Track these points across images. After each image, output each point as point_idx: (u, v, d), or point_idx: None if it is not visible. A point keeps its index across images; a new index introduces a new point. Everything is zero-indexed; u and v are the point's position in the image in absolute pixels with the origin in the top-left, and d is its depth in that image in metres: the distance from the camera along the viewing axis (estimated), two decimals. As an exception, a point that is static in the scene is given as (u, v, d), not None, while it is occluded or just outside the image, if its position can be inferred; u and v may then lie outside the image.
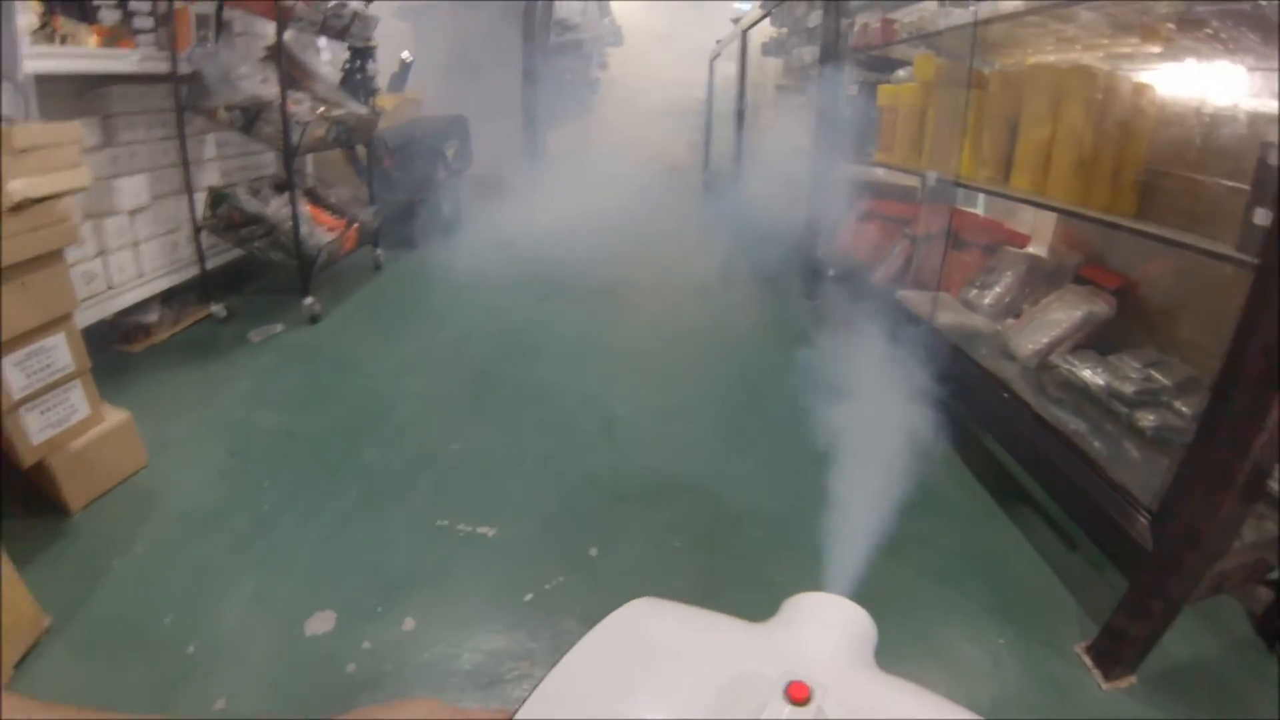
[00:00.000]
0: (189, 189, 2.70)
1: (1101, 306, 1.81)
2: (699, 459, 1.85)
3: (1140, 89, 1.65)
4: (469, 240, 3.91)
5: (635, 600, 0.77)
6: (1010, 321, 1.97)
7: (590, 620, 0.51)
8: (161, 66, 2.55)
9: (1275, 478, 1.31)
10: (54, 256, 1.47)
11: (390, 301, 3.09)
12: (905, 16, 2.37)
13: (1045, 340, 1.78)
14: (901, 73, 2.55)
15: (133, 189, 2.49)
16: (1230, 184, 1.40)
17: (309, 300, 2.67)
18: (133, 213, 2.49)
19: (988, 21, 1.84)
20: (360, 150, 3.52)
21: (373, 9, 3.38)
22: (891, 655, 0.85)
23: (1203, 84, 1.54)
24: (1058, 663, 1.22)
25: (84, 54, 2.27)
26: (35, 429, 1.45)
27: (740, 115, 4.92)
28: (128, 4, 2.47)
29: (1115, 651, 1.16)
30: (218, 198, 2.73)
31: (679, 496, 1.67)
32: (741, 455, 1.88)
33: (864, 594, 1.08)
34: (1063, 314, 1.80)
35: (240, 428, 1.89)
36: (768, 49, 4.61)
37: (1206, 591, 1.17)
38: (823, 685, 0.51)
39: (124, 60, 2.42)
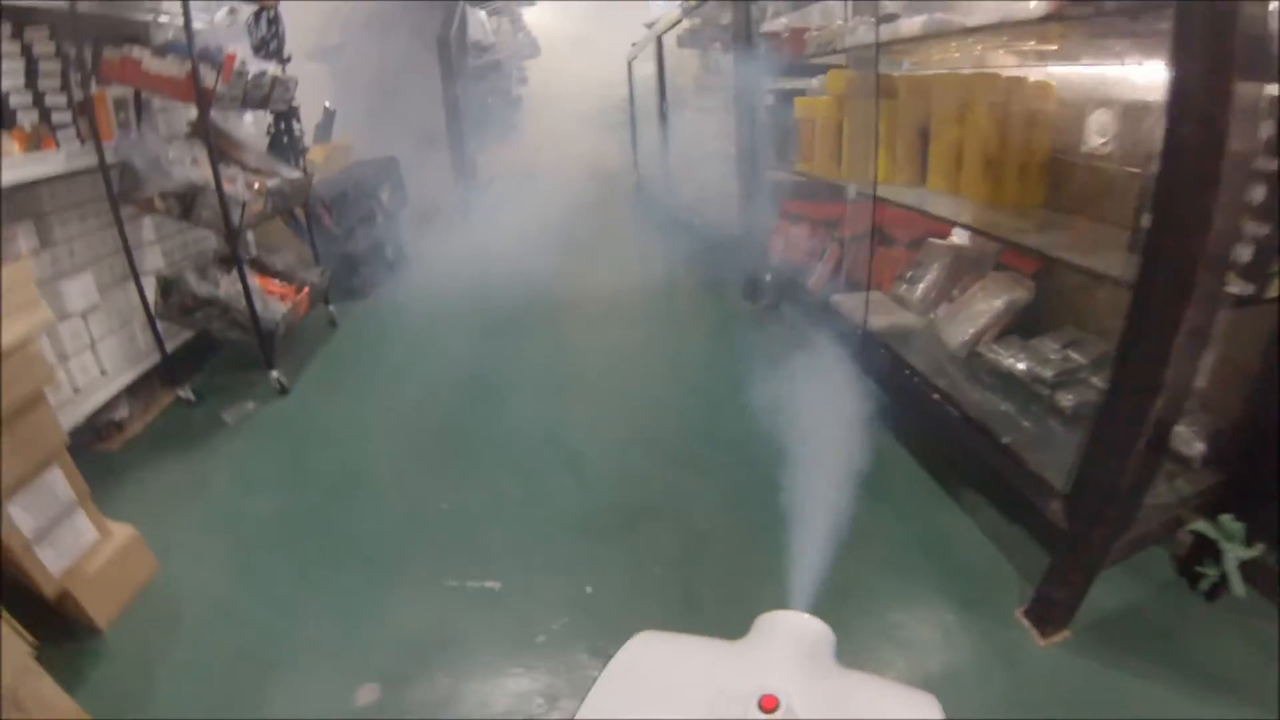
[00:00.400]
0: (136, 277, 2.73)
1: (1021, 293, 2.02)
2: (661, 485, 2.03)
3: (1041, 87, 1.85)
4: (415, 281, 4.02)
5: (636, 636, 1.00)
6: (941, 312, 2.19)
7: (597, 652, 0.68)
8: (89, 160, 2.57)
9: (1183, 442, 1.55)
10: (37, 399, 1.56)
11: (351, 359, 3.19)
12: (814, 26, 2.56)
13: (972, 331, 1.99)
14: (815, 81, 2.73)
15: (81, 289, 2.54)
16: (1127, 169, 1.62)
17: (274, 373, 2.75)
18: (85, 314, 2.54)
19: (889, 44, 2.04)
20: (298, 210, 3.58)
21: (290, 69, 3.45)
22: (854, 645, 1.07)
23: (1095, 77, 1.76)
24: (1001, 628, 1.44)
25: (10, 164, 2.29)
26: (52, 562, 1.55)
27: (663, 115, 5.10)
28: (44, 102, 2.51)
29: (1047, 614, 1.38)
30: (167, 285, 2.78)
31: (650, 525, 1.85)
32: (700, 475, 2.06)
33: (825, 593, 1.29)
34: (985, 304, 2.02)
35: (237, 519, 1.99)
36: (684, 41, 4.77)
37: (1122, 554, 1.39)
38: (787, 693, 0.73)
39: (51, 162, 2.43)
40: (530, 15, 7.33)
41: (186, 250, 3.24)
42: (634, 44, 6.00)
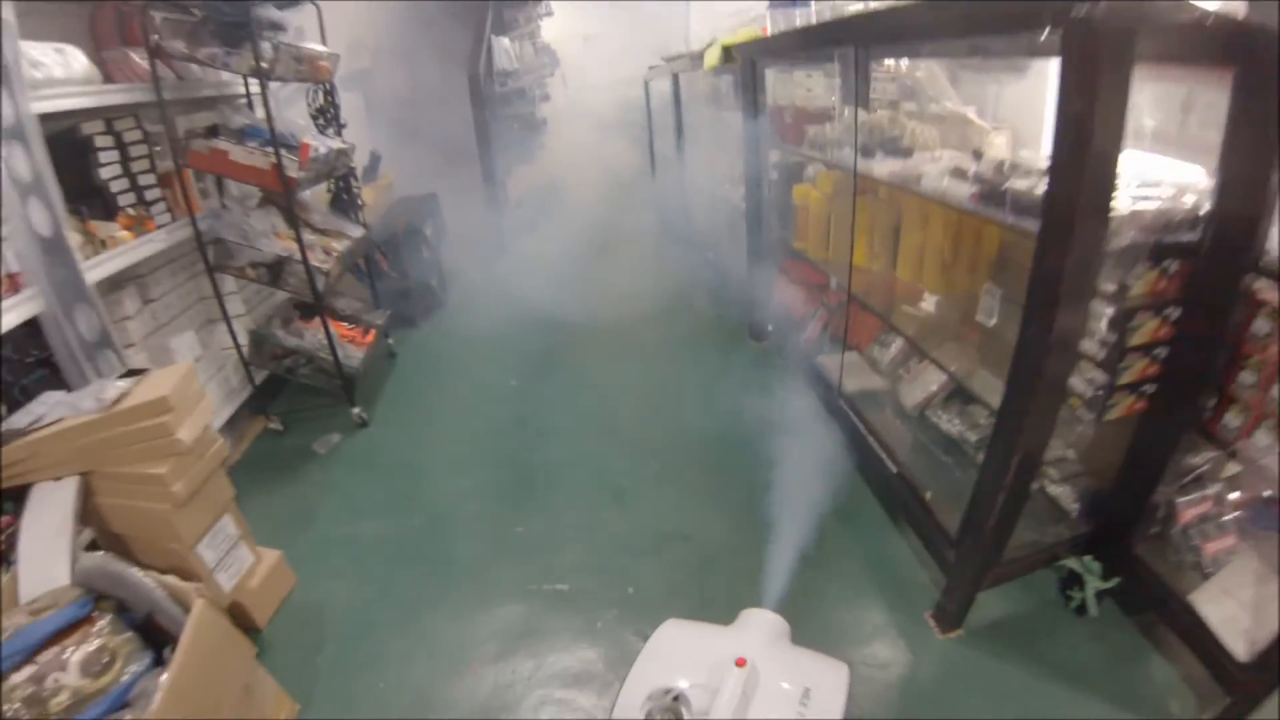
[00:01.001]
0: (229, 325, 3.30)
1: (966, 363, 2.59)
2: (684, 513, 2.65)
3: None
4: (460, 308, 4.67)
5: (665, 622, 1.69)
6: (904, 373, 2.77)
7: (639, 633, 1.37)
8: (185, 234, 3.09)
9: (1066, 500, 2.15)
10: (217, 468, 2.19)
11: (414, 391, 3.84)
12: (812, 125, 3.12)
13: (923, 396, 2.58)
14: (810, 170, 3.28)
15: (188, 343, 3.16)
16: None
17: (355, 410, 3.39)
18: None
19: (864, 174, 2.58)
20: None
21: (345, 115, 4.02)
22: (806, 633, 1.80)
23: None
24: (913, 625, 2.08)
25: (127, 249, 2.74)
26: (225, 583, 2.20)
27: (679, 149, 5.67)
28: (137, 182, 2.91)
29: (944, 617, 2.02)
30: (259, 339, 3.39)
31: (676, 545, 2.49)
32: (713, 504, 2.68)
33: (789, 595, 1.92)
34: (935, 373, 2.59)
35: (350, 540, 2.62)
36: (699, 90, 5.29)
37: (1005, 577, 2.01)
38: (752, 656, 1.44)
39: (156, 242, 2.91)
40: (545, 24, 7.75)
41: (261, 295, 3.82)
42: (651, 68, 6.50)
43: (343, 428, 3.40)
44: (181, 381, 2.17)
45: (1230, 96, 1.56)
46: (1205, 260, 1.67)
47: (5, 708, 1.55)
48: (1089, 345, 1.80)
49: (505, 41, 6.36)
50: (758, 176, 3.63)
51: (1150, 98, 1.81)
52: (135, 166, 2.93)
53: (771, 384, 3.32)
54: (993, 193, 1.83)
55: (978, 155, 2.04)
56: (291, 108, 4.09)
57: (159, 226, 3.03)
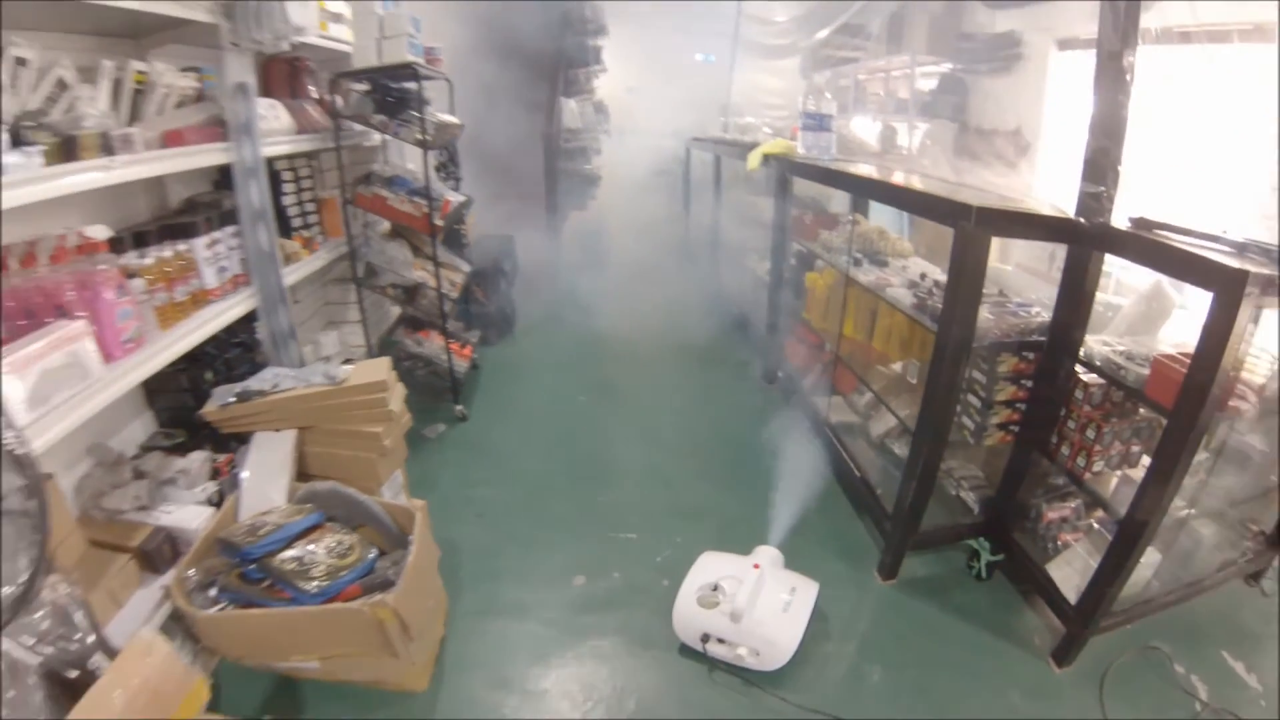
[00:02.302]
0: (365, 330, 4.56)
1: (912, 409, 3.78)
2: (712, 495, 3.83)
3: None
4: (525, 334, 5.93)
5: (703, 553, 2.97)
6: (873, 414, 3.97)
7: (687, 562, 2.65)
8: (337, 253, 4.22)
9: (970, 501, 3.33)
10: (402, 434, 3.38)
11: (498, 395, 5.04)
12: (824, 231, 4.37)
13: (883, 430, 3.78)
14: (819, 263, 4.53)
15: (331, 340, 4.39)
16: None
17: (459, 407, 4.58)
18: (332, 356, 4.36)
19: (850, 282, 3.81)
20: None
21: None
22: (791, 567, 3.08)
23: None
24: (862, 575, 3.22)
25: (305, 264, 3.70)
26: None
27: (717, 202, 6.96)
28: (305, 209, 3.97)
29: (884, 568, 3.18)
30: (388, 344, 4.62)
31: (706, 515, 3.64)
32: (732, 491, 3.86)
33: (783, 546, 3.22)
34: (890, 415, 3.78)
35: (470, 501, 3.77)
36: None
37: (915, 546, 3.17)
38: (763, 565, 2.74)
39: (320, 258, 3.97)
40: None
41: (371, 301, 4.98)
42: (695, 139, 7.83)
43: (445, 420, 4.57)
44: (386, 370, 3.37)
45: (1067, 258, 2.77)
46: (1048, 352, 2.88)
47: (279, 569, 2.66)
48: (973, 399, 3.01)
49: (572, 104, 7.66)
50: (780, 259, 4.88)
51: (1031, 250, 3.05)
52: (304, 195, 3.88)
53: (778, 414, 4.55)
54: (923, 304, 3.06)
55: (923, 276, 3.28)
56: (410, 160, 5.34)
57: (320, 246, 4.06)
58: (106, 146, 2.51)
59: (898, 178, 3.70)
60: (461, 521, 3.58)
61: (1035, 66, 4.87)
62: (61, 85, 2.60)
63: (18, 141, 2.19)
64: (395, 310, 5.33)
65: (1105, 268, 2.71)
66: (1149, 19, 3.02)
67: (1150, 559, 2.83)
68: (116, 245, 2.74)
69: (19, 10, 2.27)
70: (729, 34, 8.32)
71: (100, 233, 2.72)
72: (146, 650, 1.87)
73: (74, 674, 1.97)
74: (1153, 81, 2.63)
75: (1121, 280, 3.43)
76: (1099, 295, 2.76)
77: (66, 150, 2.37)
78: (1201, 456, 2.60)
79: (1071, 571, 2.97)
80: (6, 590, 1.79)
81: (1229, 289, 1.99)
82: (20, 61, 2.43)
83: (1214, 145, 3.05)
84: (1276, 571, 3.22)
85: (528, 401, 4.97)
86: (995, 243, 2.54)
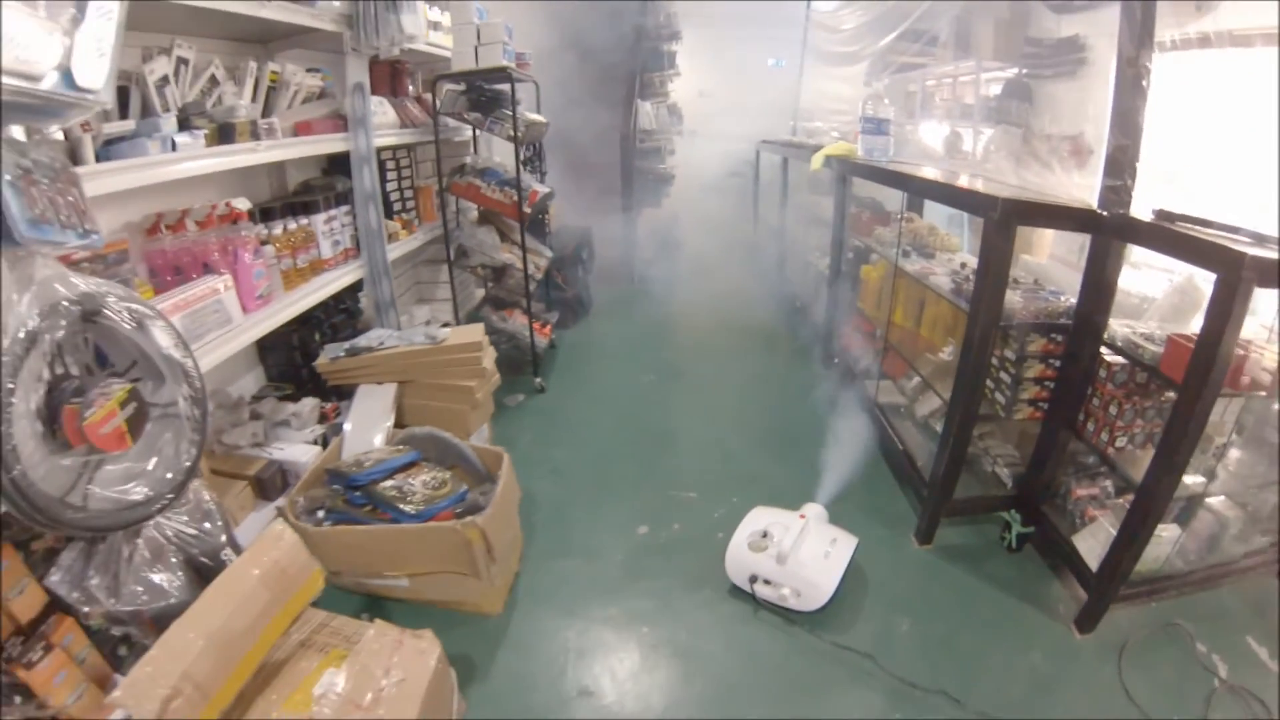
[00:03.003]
0: (455, 307, 5.12)
1: (961, 391, 4.08)
2: (765, 463, 4.20)
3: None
4: (598, 317, 6.43)
5: (755, 508, 3.54)
6: (919, 397, 4.28)
7: (741, 517, 3.15)
8: (432, 235, 4.89)
9: (1003, 475, 3.62)
10: (490, 391, 3.88)
11: (574, 372, 5.52)
12: (879, 227, 4.70)
13: (928, 410, 4.08)
14: (874, 256, 4.85)
15: (423, 313, 4.96)
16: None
17: (538, 379, 5.08)
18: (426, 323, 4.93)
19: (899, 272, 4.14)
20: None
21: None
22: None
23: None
24: (901, 539, 3.53)
25: (404, 243, 4.39)
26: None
27: (783, 202, 7.32)
28: (404, 194, 4.64)
29: (920, 534, 3.48)
30: (476, 319, 5.16)
31: (761, 481, 3.99)
32: (784, 460, 4.21)
33: (829, 509, 3.60)
34: (935, 399, 4.08)
35: (546, 459, 4.24)
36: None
37: (950, 513, 3.46)
38: (809, 517, 3.22)
39: (417, 239, 4.65)
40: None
41: (461, 285, 5.57)
42: (765, 141, 8.21)
43: (524, 391, 5.07)
44: (481, 334, 3.88)
45: (1090, 247, 3.04)
46: (1074, 334, 3.16)
47: (381, 494, 3.01)
48: (1004, 375, 3.32)
49: (647, 106, 8.14)
50: (839, 253, 5.22)
51: (1063, 242, 3.34)
52: (403, 183, 4.46)
53: (833, 394, 4.89)
54: (959, 288, 3.39)
55: (963, 265, 3.60)
56: (497, 154, 5.89)
57: (417, 229, 4.69)
58: (254, 133, 3.09)
59: (962, 181, 4.01)
60: (538, 477, 4.04)
61: (1099, 71, 5.06)
62: (213, 81, 3.21)
63: (184, 126, 2.79)
64: (479, 292, 5.90)
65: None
66: (1205, 23, 3.31)
67: (1170, 533, 3.05)
68: (249, 218, 3.31)
69: (179, 16, 2.65)
70: (798, 40, 8.63)
71: (244, 204, 3.32)
72: (279, 536, 2.22)
73: (209, 562, 2.29)
74: (1183, 84, 2.90)
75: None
76: (1137, 289, 2.99)
77: (223, 134, 2.95)
78: (1221, 440, 2.85)
79: (1095, 543, 3.20)
80: (169, 475, 2.12)
81: (1229, 270, 2.24)
82: (183, 61, 3.02)
83: (1241, 143, 3.24)
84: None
85: (600, 378, 5.44)
86: (1033, 238, 2.85)
